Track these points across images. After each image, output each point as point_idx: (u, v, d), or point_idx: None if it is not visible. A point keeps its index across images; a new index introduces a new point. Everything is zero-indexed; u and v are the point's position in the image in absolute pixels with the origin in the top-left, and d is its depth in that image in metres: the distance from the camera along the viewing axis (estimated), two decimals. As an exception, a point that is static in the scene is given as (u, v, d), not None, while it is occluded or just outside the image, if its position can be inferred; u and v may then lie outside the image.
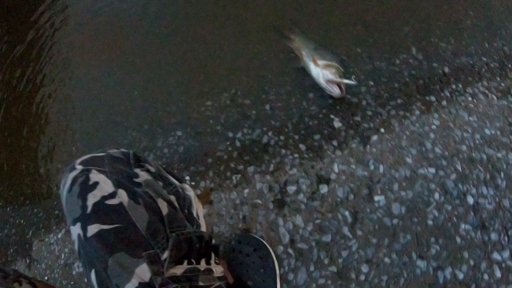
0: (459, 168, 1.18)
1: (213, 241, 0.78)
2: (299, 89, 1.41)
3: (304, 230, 1.16)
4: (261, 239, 1.15)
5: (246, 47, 1.59)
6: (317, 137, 1.33)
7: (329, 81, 1.33)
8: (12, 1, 2.32)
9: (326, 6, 1.66)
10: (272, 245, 1.15)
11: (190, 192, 0.82)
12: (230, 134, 1.41)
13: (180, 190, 0.78)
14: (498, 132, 1.22)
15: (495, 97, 1.30)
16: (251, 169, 1.31)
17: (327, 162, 1.26)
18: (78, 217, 0.62)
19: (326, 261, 1.11)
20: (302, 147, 1.31)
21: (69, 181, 0.65)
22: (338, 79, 1.32)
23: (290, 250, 1.14)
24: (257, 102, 1.45)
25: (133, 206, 0.64)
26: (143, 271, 0.60)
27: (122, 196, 0.64)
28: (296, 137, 1.34)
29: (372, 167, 1.22)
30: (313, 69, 1.39)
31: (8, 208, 1.60)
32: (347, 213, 1.16)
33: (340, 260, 1.10)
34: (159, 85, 1.62)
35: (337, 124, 1.34)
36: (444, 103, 1.32)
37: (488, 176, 1.15)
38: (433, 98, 1.34)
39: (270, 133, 1.37)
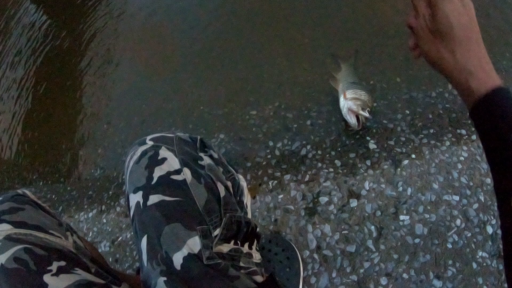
0: (482, 198, 1.26)
1: (258, 229, 0.83)
2: (340, 109, 1.52)
3: (331, 239, 1.26)
4: (289, 241, 1.26)
5: (294, 65, 1.72)
6: (352, 155, 1.43)
7: (349, 110, 1.42)
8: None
9: (371, 36, 1.77)
10: (299, 249, 1.25)
11: (243, 183, 0.89)
12: (271, 143, 1.53)
13: (236, 178, 0.85)
14: (523, 170, 1.30)
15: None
16: (287, 177, 1.42)
17: (359, 179, 1.36)
18: (142, 186, 0.69)
19: (348, 270, 1.20)
20: (338, 162, 1.42)
21: (138, 153, 0.73)
22: (355, 109, 1.40)
23: (316, 256, 1.24)
24: (299, 116, 1.57)
25: (195, 184, 0.70)
26: (194, 243, 0.65)
27: (187, 174, 0.71)
28: (333, 153, 1.45)
29: (400, 189, 1.32)
30: (341, 101, 1.48)
31: (41, 183, 1.73)
32: (373, 227, 1.26)
33: (361, 270, 1.20)
34: (207, 90, 1.76)
35: (372, 145, 1.44)
36: (473, 137, 1.40)
37: (509, 209, 1.23)
38: (463, 132, 1.42)
39: (308, 147, 1.48)
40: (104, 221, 1.50)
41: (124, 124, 1.78)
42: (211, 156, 0.80)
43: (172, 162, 0.71)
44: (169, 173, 0.70)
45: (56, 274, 0.69)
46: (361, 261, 1.21)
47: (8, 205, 0.77)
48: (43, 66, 2.25)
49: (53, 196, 1.66)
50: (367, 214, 1.28)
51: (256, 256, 0.80)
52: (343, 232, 1.26)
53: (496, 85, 0.58)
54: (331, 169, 1.40)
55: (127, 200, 0.75)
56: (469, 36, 0.59)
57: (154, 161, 0.71)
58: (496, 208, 1.23)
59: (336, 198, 1.33)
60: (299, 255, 1.23)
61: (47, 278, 0.68)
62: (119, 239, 1.43)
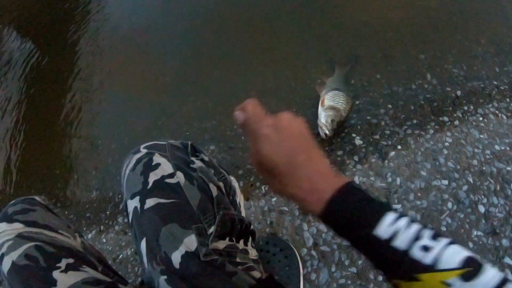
0: (471, 180, 1.28)
1: (252, 226, 0.84)
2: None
3: (327, 235, 1.27)
4: (286, 241, 1.27)
5: (276, 73, 1.77)
6: (340, 152, 1.45)
7: (319, 121, 1.48)
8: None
9: (350, 39, 1.83)
10: (296, 247, 1.25)
11: (235, 184, 0.92)
12: (260, 150, 1.55)
13: (228, 179, 0.88)
14: (508, 148, 1.33)
15: (504, 117, 1.42)
16: (278, 180, 1.44)
17: (349, 174, 1.38)
18: (138, 192, 0.72)
19: (346, 263, 1.21)
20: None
21: (133, 161, 0.76)
22: (321, 124, 1.46)
23: (314, 252, 1.25)
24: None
25: (188, 186, 0.73)
26: (191, 241, 0.68)
27: (180, 177, 0.73)
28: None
29: (390, 179, 1.34)
30: (319, 108, 1.53)
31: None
32: (366, 219, 1.27)
33: (359, 262, 1.20)
34: (194, 104, 1.79)
35: (358, 141, 1.47)
36: (456, 122, 1.44)
37: (498, 187, 1.25)
38: (446, 119, 1.46)
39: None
40: (104, 240, 1.50)
41: (116, 145, 1.80)
42: (202, 160, 0.83)
43: (165, 167, 0.74)
44: (163, 177, 0.73)
45: (65, 270, 0.72)
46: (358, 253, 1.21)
47: (20, 206, 0.81)
48: (28, 87, 2.30)
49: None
50: (360, 207, 1.30)
51: (252, 253, 0.82)
52: (338, 227, 1.27)
53: (339, 186, 0.56)
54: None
55: (125, 207, 0.77)
56: (293, 164, 0.57)
57: (149, 167, 0.74)
58: (486, 187, 1.26)
59: (328, 195, 1.35)
60: (297, 253, 1.24)
61: (56, 274, 0.71)
62: (120, 256, 1.43)
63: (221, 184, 0.82)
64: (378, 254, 0.53)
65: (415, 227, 0.51)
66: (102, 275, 0.77)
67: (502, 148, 1.33)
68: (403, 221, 0.52)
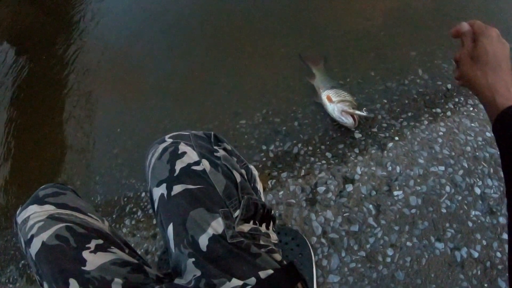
0: (465, 165, 1.37)
1: (272, 212, 0.88)
2: (323, 108, 1.62)
3: (335, 223, 1.33)
4: (297, 230, 1.33)
5: (274, 74, 1.84)
6: (341, 146, 1.53)
7: (343, 112, 1.52)
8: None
9: (343, 40, 1.92)
10: (306, 236, 1.32)
11: (255, 172, 0.96)
12: (264, 147, 1.61)
13: (249, 166, 0.92)
14: (497, 135, 1.42)
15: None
16: (284, 174, 1.50)
17: (351, 166, 1.46)
18: (165, 179, 0.75)
19: (355, 248, 1.27)
20: (329, 154, 1.51)
21: (159, 150, 0.79)
22: (351, 110, 1.51)
23: (323, 240, 1.31)
24: (287, 119, 1.67)
25: (213, 172, 0.77)
26: (218, 224, 0.71)
27: (205, 164, 0.77)
28: (323, 147, 1.55)
29: (390, 168, 1.42)
30: (328, 106, 1.58)
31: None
32: (371, 206, 1.34)
33: (368, 246, 1.27)
34: (195, 107, 1.85)
35: (357, 135, 1.55)
36: (448, 113, 1.53)
37: (491, 170, 1.34)
38: (439, 110, 1.55)
39: (299, 145, 1.57)
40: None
41: (119, 150, 1.84)
42: (225, 149, 0.87)
43: (191, 155, 0.78)
44: (189, 165, 0.76)
45: (94, 251, 0.74)
46: (366, 238, 1.28)
47: (51, 189, 0.83)
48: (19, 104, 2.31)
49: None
50: (363, 195, 1.37)
51: (273, 237, 0.86)
52: (344, 214, 1.34)
53: None
54: (324, 161, 1.49)
55: (151, 195, 0.81)
56: (500, 64, 0.72)
57: (175, 155, 0.78)
58: (480, 170, 1.35)
59: (332, 186, 1.42)
60: (307, 241, 1.29)
61: (85, 254, 0.73)
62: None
63: (243, 171, 0.87)
64: None
65: None
66: (129, 257, 0.80)
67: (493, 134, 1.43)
68: None
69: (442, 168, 1.38)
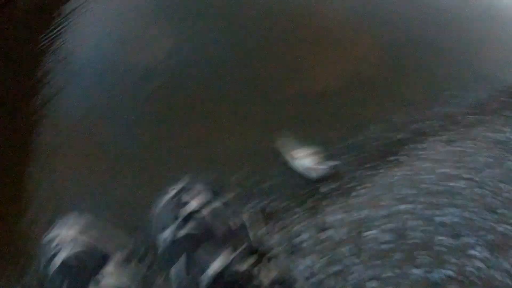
0: (424, 200, 1.49)
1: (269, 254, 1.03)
2: (290, 167, 1.75)
3: (317, 266, 1.39)
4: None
5: (244, 140, 1.96)
6: (310, 200, 1.63)
7: (307, 168, 1.68)
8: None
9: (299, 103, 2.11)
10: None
11: (248, 221, 1.08)
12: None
13: (242, 217, 1.06)
14: (448, 170, 1.57)
15: (439, 146, 1.69)
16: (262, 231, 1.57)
17: (323, 215, 1.55)
18: (169, 226, 0.88)
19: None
20: (299, 210, 1.60)
21: (164, 200, 0.94)
22: (314, 166, 1.68)
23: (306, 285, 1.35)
24: (260, 180, 1.76)
25: (214, 219, 0.91)
26: (217, 264, 0.83)
27: (206, 212, 0.91)
28: (293, 203, 1.64)
29: (356, 214, 1.52)
30: (292, 162, 1.73)
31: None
32: (347, 248, 1.42)
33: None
34: (171, 172, 1.90)
35: (324, 188, 1.66)
36: (402, 159, 1.69)
37: (449, 199, 1.47)
38: (393, 158, 1.71)
39: (272, 203, 1.66)
40: None
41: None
42: (222, 201, 1.02)
43: (194, 203, 0.93)
44: (192, 213, 0.91)
45: None
46: (348, 275, 1.34)
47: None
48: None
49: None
50: (339, 239, 1.44)
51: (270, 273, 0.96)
52: (324, 258, 1.40)
53: None
54: (296, 216, 1.58)
55: (154, 242, 0.93)
56: None
57: (179, 204, 0.93)
58: (439, 202, 1.46)
59: (308, 235, 1.49)
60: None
61: None
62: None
63: (238, 219, 1.00)
64: None
65: None
66: None
67: (444, 170, 1.57)
68: None
69: (403, 206, 1.50)
